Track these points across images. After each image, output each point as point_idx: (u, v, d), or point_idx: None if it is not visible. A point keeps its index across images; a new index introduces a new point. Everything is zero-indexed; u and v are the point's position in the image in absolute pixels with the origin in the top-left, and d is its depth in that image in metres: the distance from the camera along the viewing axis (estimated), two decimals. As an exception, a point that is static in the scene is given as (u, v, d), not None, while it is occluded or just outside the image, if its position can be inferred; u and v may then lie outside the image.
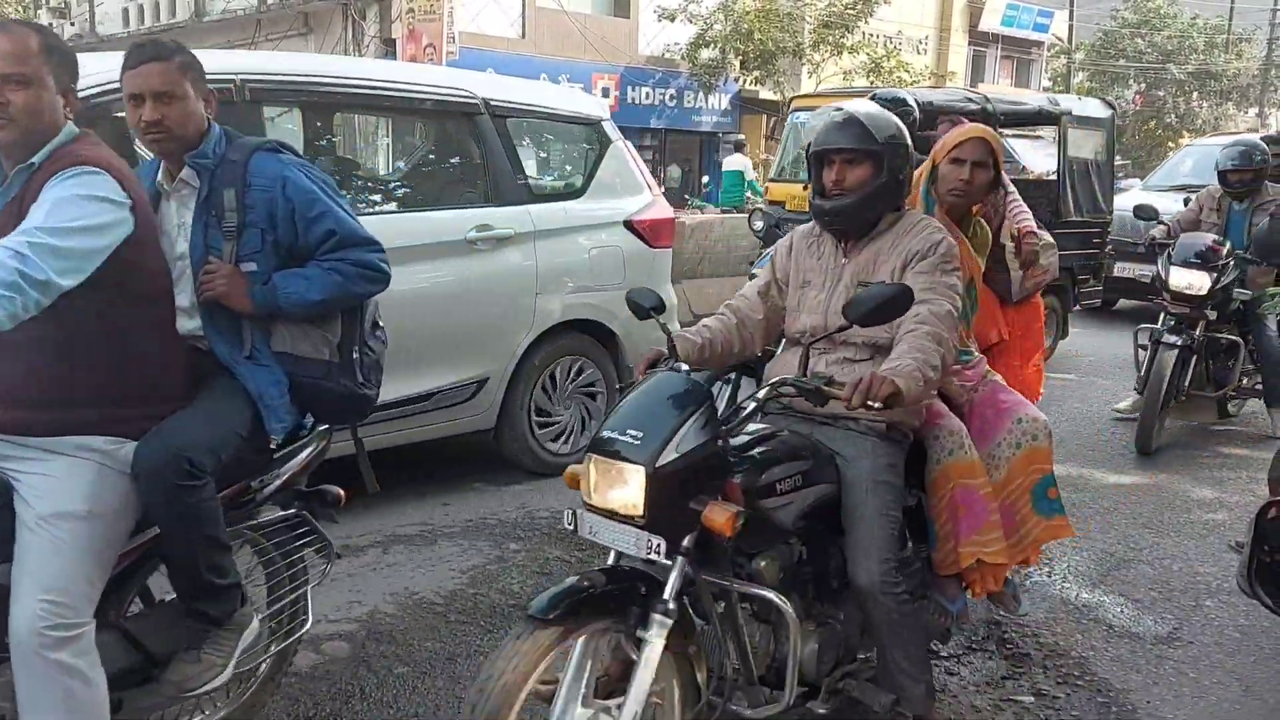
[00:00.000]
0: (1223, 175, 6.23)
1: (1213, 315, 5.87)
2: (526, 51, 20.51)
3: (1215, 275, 5.73)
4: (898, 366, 2.38)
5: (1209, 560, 4.33)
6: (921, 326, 2.50)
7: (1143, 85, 30.79)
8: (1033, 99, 9.35)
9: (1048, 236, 4.74)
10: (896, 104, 4.53)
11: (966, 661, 3.41)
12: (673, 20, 21.01)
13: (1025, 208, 4.84)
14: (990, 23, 29.89)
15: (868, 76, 21.81)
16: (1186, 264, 5.77)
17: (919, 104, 7.45)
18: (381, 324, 2.84)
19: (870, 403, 2.26)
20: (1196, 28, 29.98)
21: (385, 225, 4.06)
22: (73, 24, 24.99)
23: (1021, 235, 4.71)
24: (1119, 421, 6.56)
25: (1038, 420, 3.03)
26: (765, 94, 23.01)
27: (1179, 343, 5.76)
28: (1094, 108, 9.27)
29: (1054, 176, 8.71)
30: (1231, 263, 5.85)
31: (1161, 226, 6.30)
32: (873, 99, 4.60)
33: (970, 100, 8.23)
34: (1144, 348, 6.14)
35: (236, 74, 4.00)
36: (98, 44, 24.22)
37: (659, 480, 2.16)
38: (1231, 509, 5.01)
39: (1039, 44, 32.45)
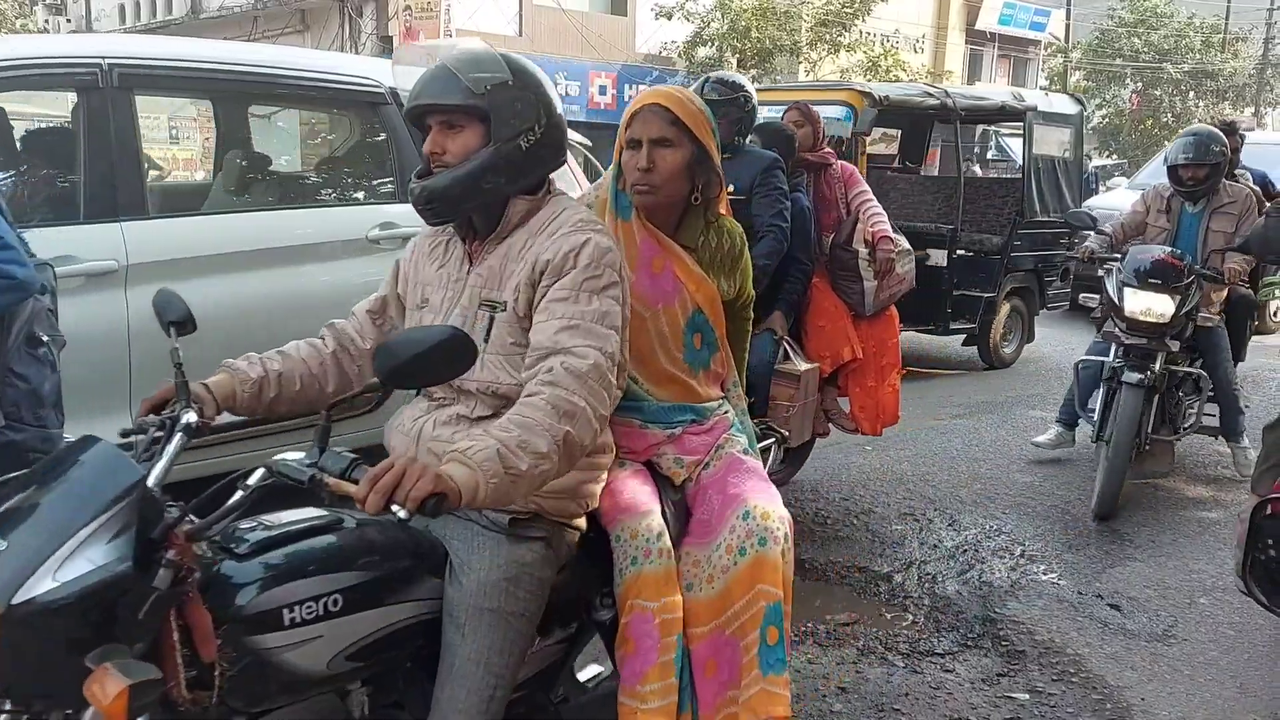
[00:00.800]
0: (1173, 171, 5.17)
1: (1174, 345, 4.90)
2: (523, 49, 20.47)
3: (1179, 297, 4.76)
4: (470, 449, 1.60)
5: (1204, 558, 4.34)
6: (543, 391, 1.71)
7: (1139, 84, 30.79)
8: (997, 94, 9.16)
9: (905, 242, 4.51)
10: (733, 88, 4.04)
11: (962, 659, 3.42)
12: (670, 18, 20.98)
13: (880, 209, 4.53)
14: (987, 21, 29.90)
15: (865, 75, 21.82)
16: (1144, 284, 4.79)
17: (881, 98, 7.37)
18: (49, 338, 2.39)
19: (394, 507, 1.49)
20: (1193, 27, 29.96)
21: (278, 222, 3.98)
22: (69, 20, 24.95)
23: (876, 241, 4.35)
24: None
25: (772, 515, 2.08)
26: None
27: (1142, 381, 4.74)
28: (1062, 103, 9.15)
29: (1019, 175, 8.61)
30: (1193, 280, 4.88)
31: (1100, 236, 5.34)
32: (705, 81, 4.19)
33: (929, 95, 8.11)
34: (1084, 380, 5.22)
35: (103, 57, 3.60)
36: (94, 40, 24.22)
37: (18, 625, 1.39)
38: (1227, 508, 5.01)
39: (1036, 43, 32.49)
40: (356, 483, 1.52)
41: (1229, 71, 29.90)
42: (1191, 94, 30.19)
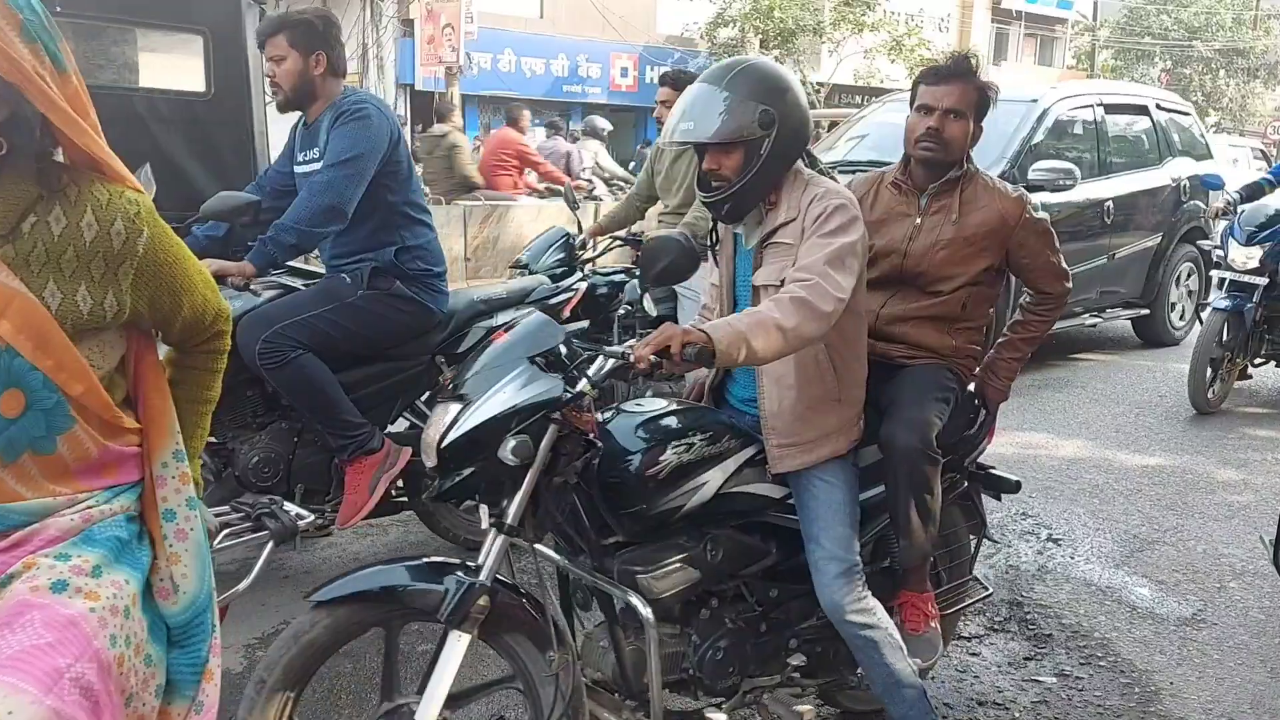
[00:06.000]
0: None
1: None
2: (544, 31, 20.46)
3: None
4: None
5: (1233, 542, 4.30)
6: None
7: (1168, 63, 30.40)
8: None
9: None
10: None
11: (989, 642, 3.40)
12: (692, -1, 20.90)
13: None
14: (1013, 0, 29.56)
15: (889, 55, 21.63)
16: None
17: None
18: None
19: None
20: (1224, 4, 29.55)
21: None
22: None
23: None
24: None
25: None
26: (785, 73, 22.81)
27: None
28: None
29: None
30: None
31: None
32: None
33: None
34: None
35: None
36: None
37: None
38: (1257, 491, 4.96)
39: (1063, 21, 32.09)
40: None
41: (1260, 49, 29.45)
42: (1222, 72, 29.79)
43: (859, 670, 2.55)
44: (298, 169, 3.50)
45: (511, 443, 2.01)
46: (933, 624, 2.62)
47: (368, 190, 3.29)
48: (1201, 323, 6.36)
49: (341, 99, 3.38)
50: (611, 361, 2.09)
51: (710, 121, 2.23)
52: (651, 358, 1.97)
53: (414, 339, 3.55)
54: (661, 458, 2.24)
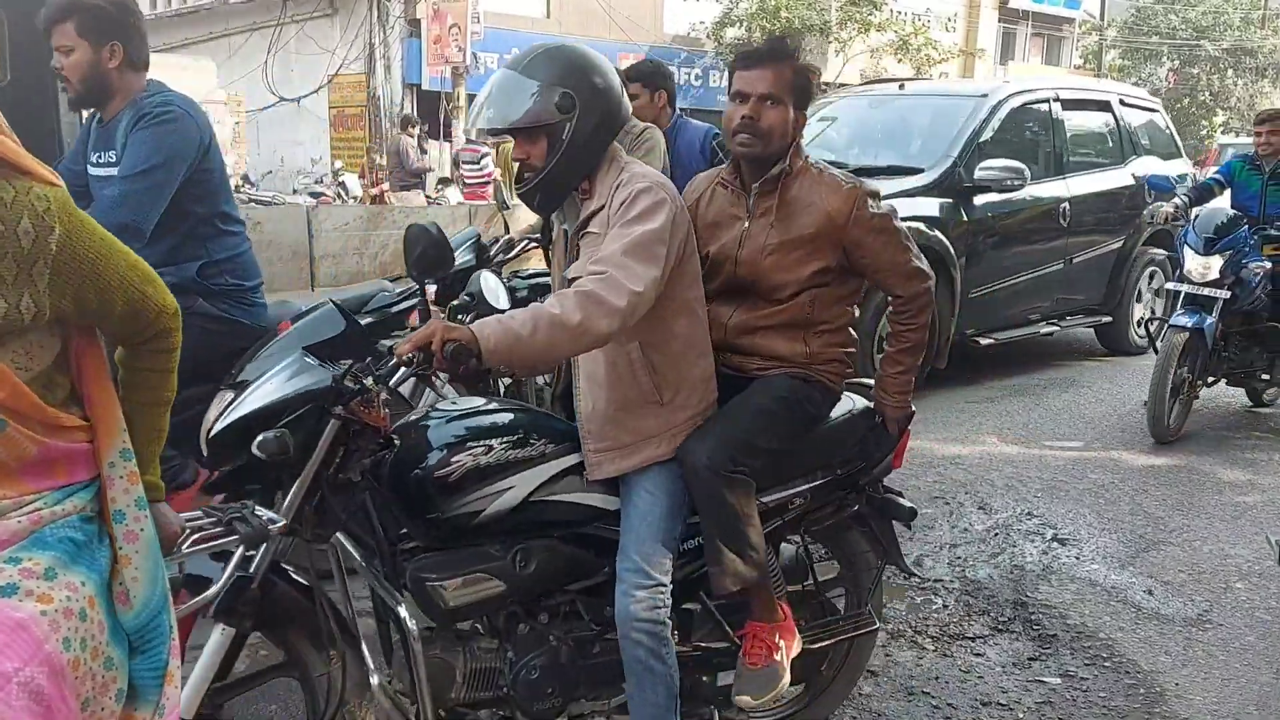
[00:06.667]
0: None
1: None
2: (551, 31, 20.42)
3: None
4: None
5: (1240, 543, 4.28)
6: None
7: (1176, 62, 30.28)
8: None
9: None
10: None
11: (993, 643, 3.40)
12: (698, -1, 20.90)
13: None
14: (1021, -1, 29.49)
15: (895, 54, 21.61)
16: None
17: None
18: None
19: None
20: (1232, 3, 29.43)
21: None
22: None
23: None
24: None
25: None
26: (791, 73, 22.81)
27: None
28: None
29: None
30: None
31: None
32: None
33: None
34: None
35: None
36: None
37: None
38: (1264, 491, 4.94)
39: (1070, 21, 31.99)
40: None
41: (1268, 49, 29.33)
42: (1230, 72, 29.66)
43: (720, 698, 2.45)
44: (91, 170, 3.07)
45: (263, 437, 1.93)
46: (776, 657, 2.40)
47: (171, 201, 2.92)
48: (1155, 349, 5.61)
49: (144, 97, 2.95)
50: (394, 359, 1.98)
51: (507, 108, 2.14)
52: (409, 355, 1.89)
53: (228, 358, 2.98)
54: (455, 459, 2.12)
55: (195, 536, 1.89)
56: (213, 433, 2.02)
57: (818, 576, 2.72)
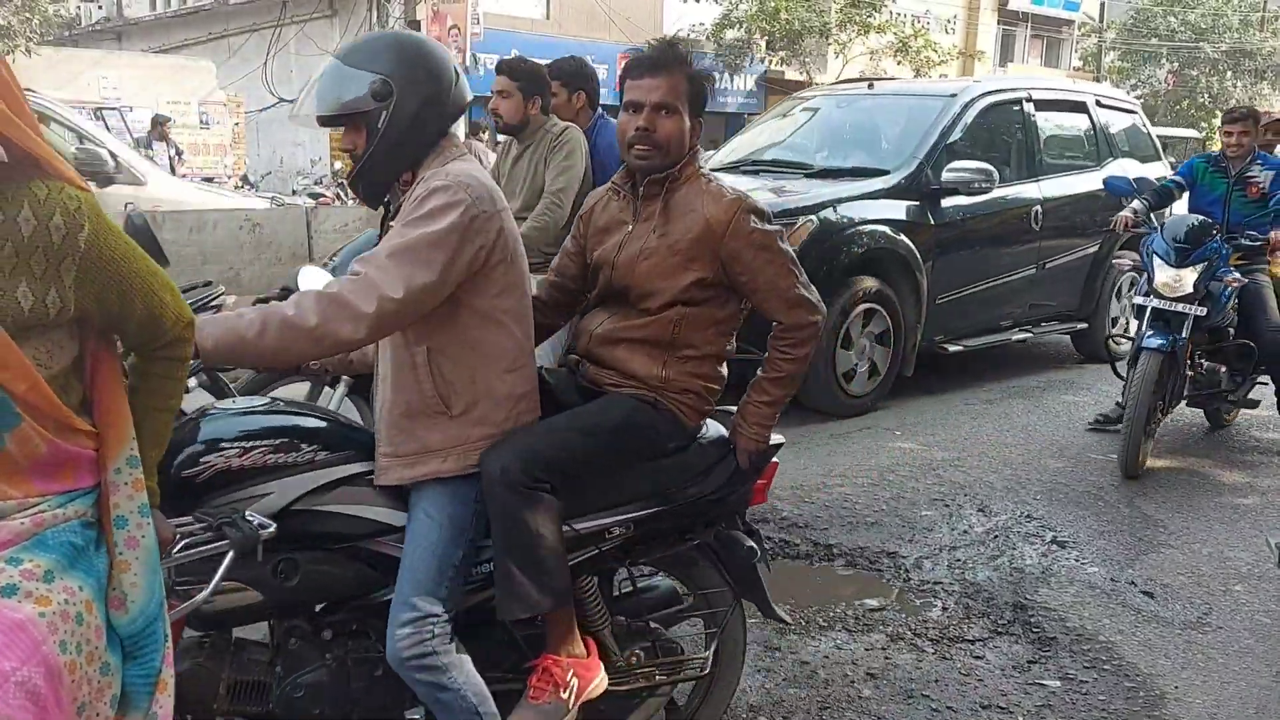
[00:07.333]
0: None
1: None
2: (550, 32, 20.44)
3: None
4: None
5: (1239, 545, 4.28)
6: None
7: (1175, 64, 30.31)
8: None
9: None
10: None
11: (992, 645, 3.40)
12: (698, 0, 20.91)
13: None
14: (1020, 1, 29.52)
15: (895, 56, 21.63)
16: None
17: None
18: None
19: None
20: (1231, 5, 29.47)
21: None
22: (100, 6, 25.11)
23: None
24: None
25: None
26: (791, 74, 22.86)
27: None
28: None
29: None
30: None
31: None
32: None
33: None
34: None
35: None
36: (124, 26, 24.39)
37: None
38: (1263, 493, 4.95)
39: (1069, 23, 32.05)
40: None
41: (1267, 51, 29.37)
42: (1229, 74, 29.70)
43: None
44: None
45: None
46: (564, 695, 2.20)
47: None
48: (1119, 374, 5.25)
49: None
50: None
51: (324, 96, 2.08)
52: None
53: None
54: (205, 459, 1.99)
55: (185, 541, 1.85)
56: None
57: (650, 612, 2.53)
